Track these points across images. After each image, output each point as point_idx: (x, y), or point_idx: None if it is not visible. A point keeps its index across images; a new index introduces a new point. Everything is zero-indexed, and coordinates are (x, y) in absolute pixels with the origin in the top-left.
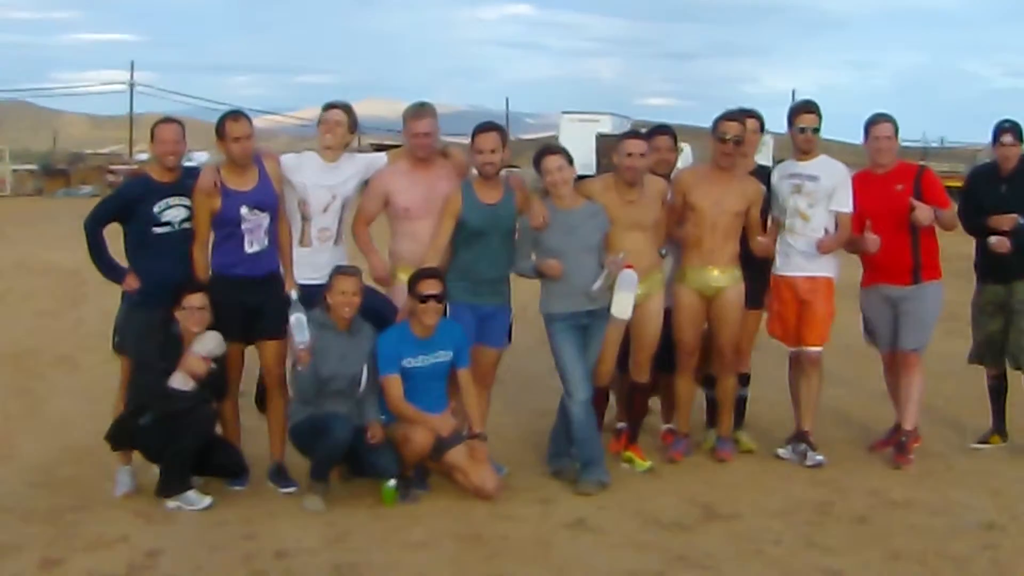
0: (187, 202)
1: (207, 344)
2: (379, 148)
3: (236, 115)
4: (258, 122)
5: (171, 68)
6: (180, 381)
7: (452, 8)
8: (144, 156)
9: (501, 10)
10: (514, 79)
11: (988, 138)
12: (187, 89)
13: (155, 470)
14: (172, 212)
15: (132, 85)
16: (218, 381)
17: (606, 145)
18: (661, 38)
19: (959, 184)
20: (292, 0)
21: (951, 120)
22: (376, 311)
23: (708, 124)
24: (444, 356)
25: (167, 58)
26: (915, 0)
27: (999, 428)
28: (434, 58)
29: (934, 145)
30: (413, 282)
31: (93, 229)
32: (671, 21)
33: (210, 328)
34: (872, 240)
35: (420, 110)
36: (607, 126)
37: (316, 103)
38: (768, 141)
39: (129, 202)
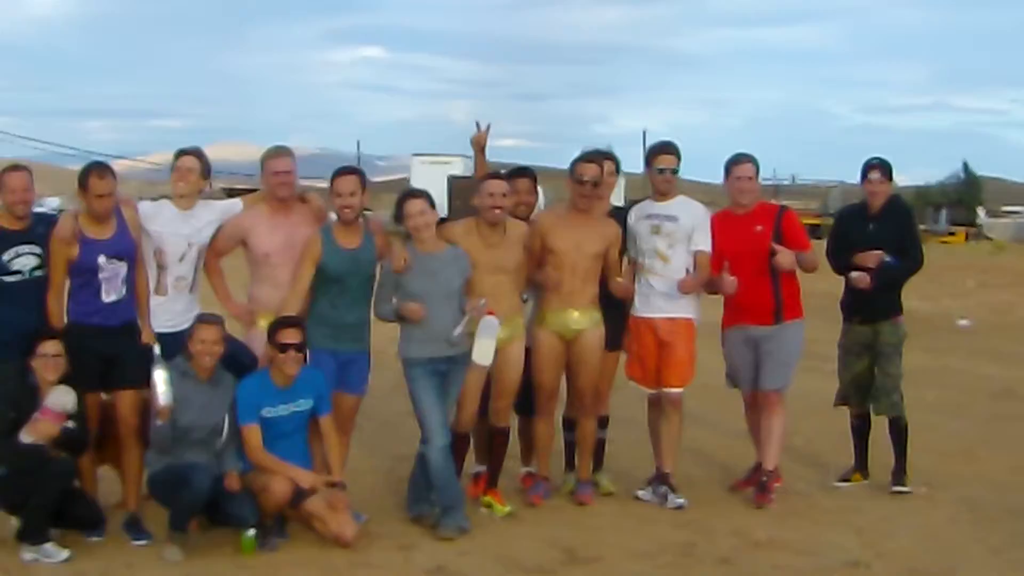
0: (38, 250)
1: (60, 398)
2: (231, 192)
3: (101, 171)
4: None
5: (22, 113)
6: (32, 438)
7: (304, 51)
8: None
9: (353, 52)
10: (366, 122)
11: (840, 176)
12: (38, 134)
13: (13, 521)
14: (22, 260)
15: None
16: (77, 438)
17: (458, 187)
18: (512, 79)
19: (813, 221)
20: (143, 44)
21: (803, 158)
22: (236, 359)
23: (561, 165)
24: (305, 405)
25: (18, 103)
26: (767, 39)
27: (861, 466)
28: (286, 101)
29: (785, 182)
30: (272, 331)
31: None
32: (522, 63)
33: (65, 377)
34: (729, 282)
35: (279, 150)
36: (459, 168)
37: (168, 147)
38: (620, 182)
39: None
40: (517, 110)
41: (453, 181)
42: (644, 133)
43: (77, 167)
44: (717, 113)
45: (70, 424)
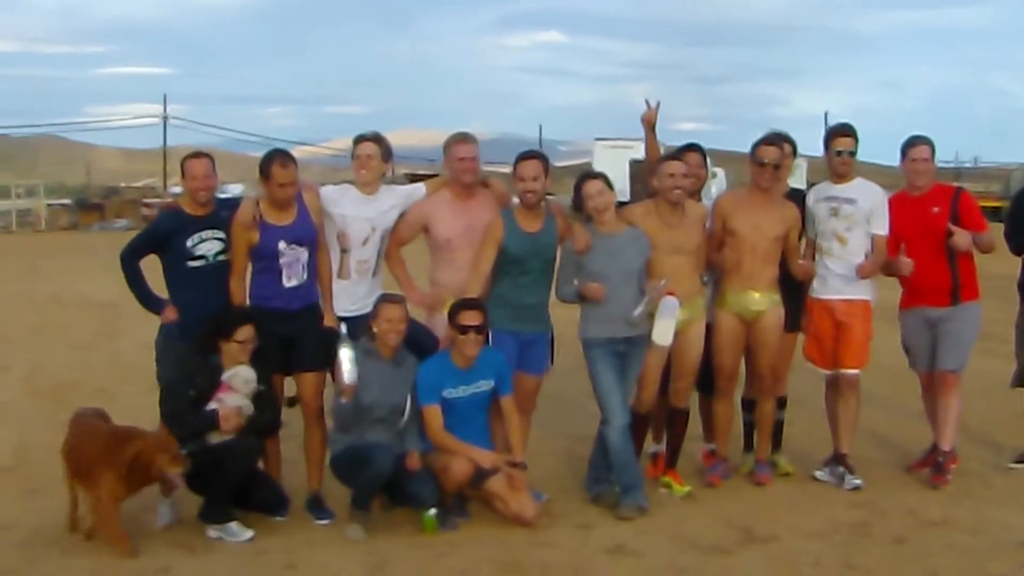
0: (221, 235)
1: (245, 375)
2: (414, 178)
3: (284, 160)
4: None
5: (203, 100)
6: (222, 427)
7: (482, 35)
8: (178, 189)
9: (531, 37)
10: (546, 106)
11: (1022, 157)
12: (219, 121)
13: (198, 501)
14: (206, 246)
15: (165, 118)
16: (267, 422)
17: (639, 171)
18: (692, 62)
19: (995, 204)
20: (322, 31)
21: (984, 139)
22: (417, 341)
23: (740, 148)
24: (485, 386)
25: (199, 90)
26: (942, 19)
27: None
28: (465, 86)
29: (967, 165)
30: (453, 313)
31: (129, 261)
32: (701, 45)
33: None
34: (906, 264)
35: (463, 136)
36: (640, 152)
37: (347, 133)
38: (802, 164)
39: (162, 236)
40: (696, 93)
41: (635, 165)
42: (825, 115)
43: (258, 154)
44: (896, 95)
45: (248, 403)
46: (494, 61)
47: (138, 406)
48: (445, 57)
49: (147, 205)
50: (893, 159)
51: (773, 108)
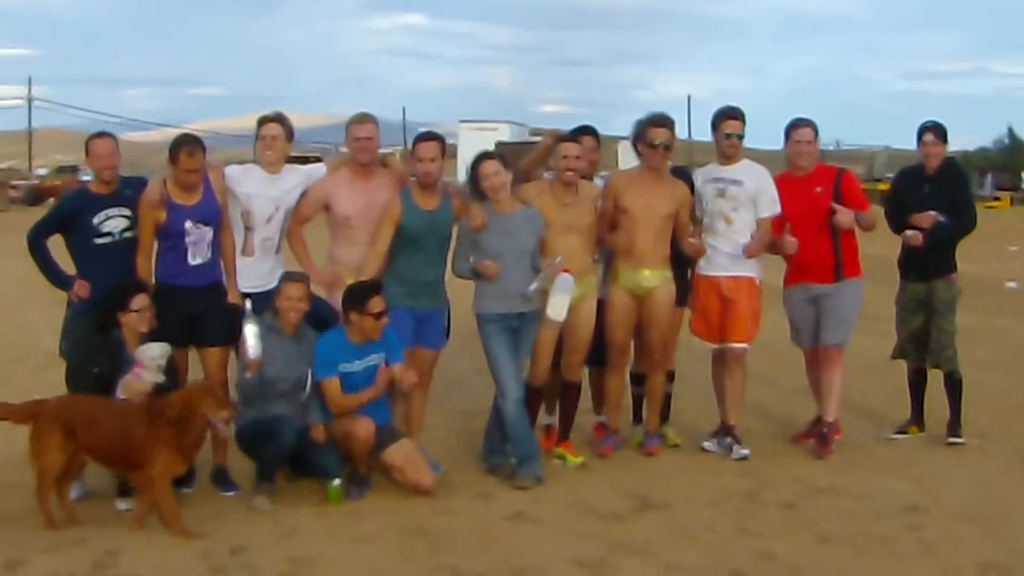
0: (127, 212)
1: (152, 351)
2: None
3: (192, 149)
4: (152, 135)
5: (68, 82)
6: (125, 395)
7: (344, 18)
8: (43, 171)
9: (394, 20)
10: (410, 89)
11: (885, 140)
12: (83, 102)
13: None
14: (112, 223)
15: (30, 100)
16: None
17: (506, 153)
18: (554, 45)
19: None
20: (184, 13)
21: (847, 123)
22: (321, 317)
23: (603, 130)
24: (378, 359)
25: (64, 72)
26: (808, 4)
27: (917, 419)
28: (327, 69)
29: (830, 148)
30: (361, 299)
31: (36, 241)
32: (564, 28)
33: (153, 334)
34: (790, 243)
35: (362, 117)
36: (505, 134)
37: (208, 115)
38: None
39: (69, 215)
40: (558, 76)
41: (500, 147)
42: (688, 99)
43: (123, 135)
44: (759, 79)
45: (160, 379)
46: (357, 44)
47: (33, 384)
48: (308, 39)
49: (14, 187)
50: (756, 142)
51: (636, 91)
